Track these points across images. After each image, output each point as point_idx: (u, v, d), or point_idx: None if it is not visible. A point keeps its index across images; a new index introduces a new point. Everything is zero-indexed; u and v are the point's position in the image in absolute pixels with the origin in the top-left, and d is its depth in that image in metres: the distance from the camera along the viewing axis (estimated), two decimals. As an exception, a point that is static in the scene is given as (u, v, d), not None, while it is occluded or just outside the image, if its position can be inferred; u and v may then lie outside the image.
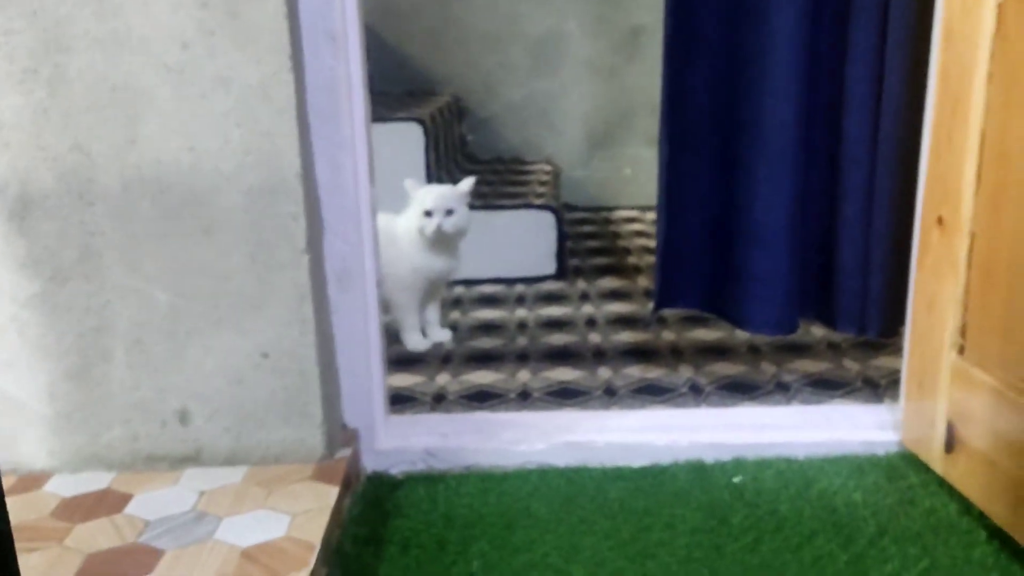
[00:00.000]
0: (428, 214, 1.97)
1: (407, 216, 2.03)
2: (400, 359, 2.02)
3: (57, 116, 1.28)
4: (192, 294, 1.33)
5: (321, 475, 1.37)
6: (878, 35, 1.56)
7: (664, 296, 1.82)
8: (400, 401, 1.78)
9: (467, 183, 2.04)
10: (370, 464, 1.53)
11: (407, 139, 2.57)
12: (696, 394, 1.78)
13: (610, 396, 1.79)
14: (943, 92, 1.34)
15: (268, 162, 1.30)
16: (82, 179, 1.29)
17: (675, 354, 2.02)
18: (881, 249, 1.66)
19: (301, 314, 1.35)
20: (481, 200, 2.70)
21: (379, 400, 1.54)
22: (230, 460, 1.39)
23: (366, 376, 1.51)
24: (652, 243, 2.82)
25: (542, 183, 2.99)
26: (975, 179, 1.28)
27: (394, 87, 3.35)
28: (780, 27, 1.58)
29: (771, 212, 1.65)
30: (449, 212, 1.98)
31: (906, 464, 1.48)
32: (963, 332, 1.34)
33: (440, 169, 2.77)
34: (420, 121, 2.60)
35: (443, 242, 2.01)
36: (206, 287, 1.33)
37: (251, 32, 1.26)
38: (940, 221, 1.36)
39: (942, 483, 1.41)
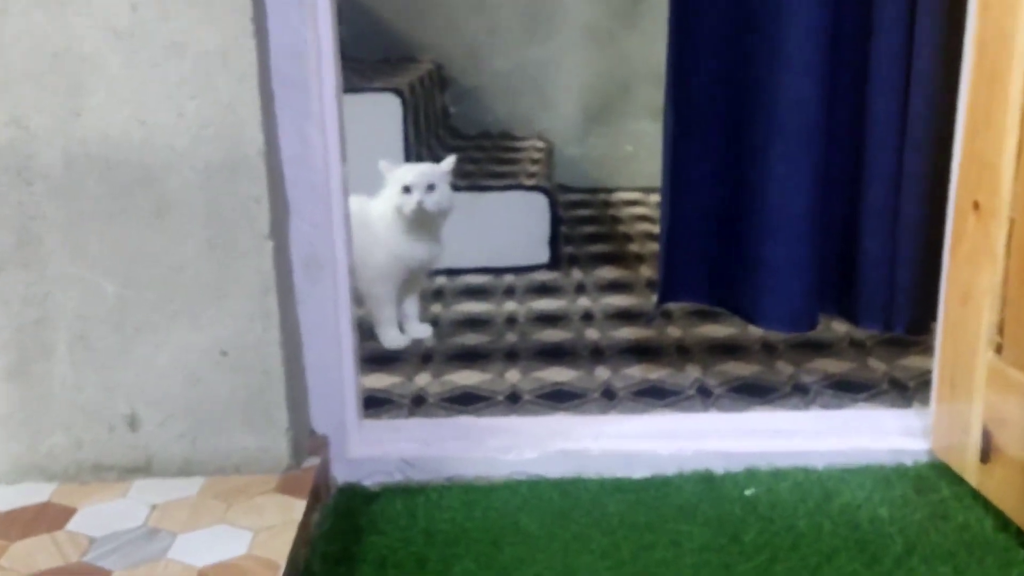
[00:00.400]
0: (407, 190, 1.97)
1: (382, 198, 2.03)
2: (375, 357, 2.02)
3: (-10, 84, 1.27)
4: (143, 284, 1.32)
5: (286, 487, 1.36)
6: (908, 1, 1.56)
7: (669, 288, 1.83)
8: (375, 404, 1.78)
9: (449, 161, 2.03)
10: (341, 474, 1.53)
11: (383, 111, 2.56)
12: (704, 397, 1.79)
13: (608, 399, 1.79)
14: (980, 64, 1.35)
15: (227, 137, 1.30)
16: (20, 156, 1.28)
17: (681, 352, 2.02)
18: (910, 237, 1.67)
19: (264, 307, 1.35)
20: (466, 180, 2.70)
21: (351, 403, 1.54)
22: (185, 470, 1.38)
23: (337, 376, 1.51)
24: (655, 228, 2.82)
25: (534, 161, 2.98)
26: (1015, 160, 1.29)
27: (369, 54, 3.33)
28: (797, -10, 1.57)
29: (788, 195, 1.65)
30: (431, 188, 1.98)
31: (937, 475, 1.49)
32: (1001, 328, 1.35)
33: (420, 145, 2.76)
34: (398, 91, 2.59)
35: (424, 224, 2.01)
36: (158, 276, 1.32)
37: (208, -10, 1.25)
38: (976, 206, 1.37)
39: (976, 496, 1.42)
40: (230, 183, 1.31)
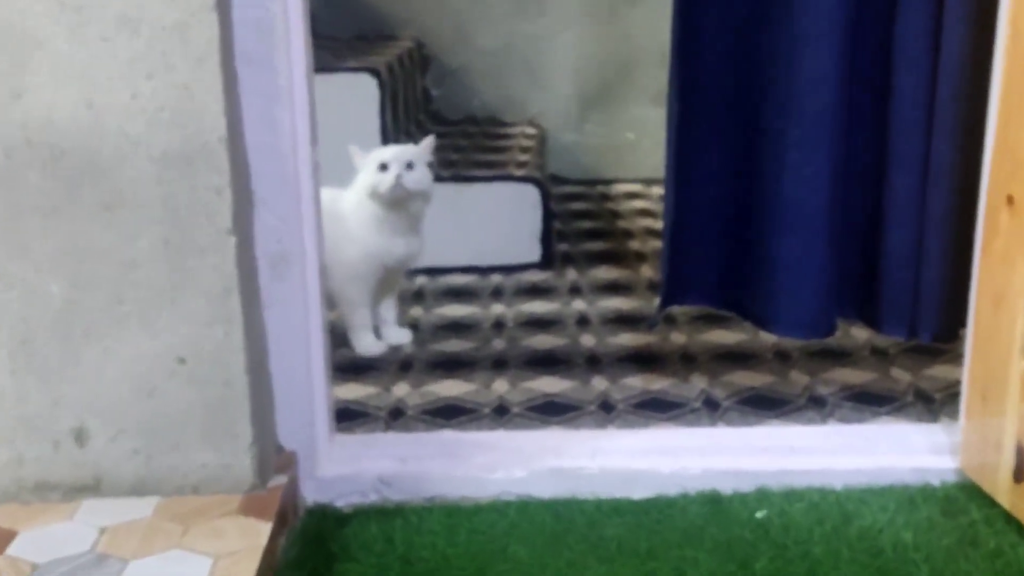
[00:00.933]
0: (383, 167, 1.97)
1: (354, 189, 2.03)
2: (349, 365, 2.02)
3: (-78, 62, 1.27)
4: (92, 285, 1.33)
5: (250, 508, 1.36)
6: (936, -26, 1.58)
7: (673, 290, 1.83)
8: (348, 417, 1.78)
9: (428, 141, 2.03)
10: (311, 494, 1.53)
11: (358, 94, 2.57)
12: (711, 410, 1.80)
13: (606, 412, 1.80)
14: (1015, 46, 1.36)
15: (185, 122, 1.30)
16: (-47, 141, 1.28)
17: (686, 361, 2.03)
18: (938, 233, 1.68)
19: (226, 309, 1.35)
20: (449, 170, 2.70)
21: (322, 416, 1.54)
22: (138, 489, 1.38)
23: (307, 386, 1.51)
24: (658, 224, 2.83)
25: (524, 149, 2.99)
26: (1052, 150, 1.30)
27: (343, 30, 3.33)
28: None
29: (803, 187, 1.66)
30: (409, 166, 1.98)
31: (967, 496, 1.50)
32: (1036, 335, 1.36)
33: (399, 131, 2.77)
34: (374, 72, 2.59)
35: (402, 209, 2.00)
36: (109, 276, 1.32)
37: (164, -40, 1.26)
38: (1010, 200, 1.38)
39: (1010, 519, 1.43)
40: (188, 173, 1.31)
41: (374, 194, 1.98)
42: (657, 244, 2.69)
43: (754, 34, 1.69)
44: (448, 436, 1.70)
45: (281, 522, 1.38)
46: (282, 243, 1.44)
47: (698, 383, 1.92)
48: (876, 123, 1.70)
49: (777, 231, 1.70)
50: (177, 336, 1.35)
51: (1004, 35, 1.40)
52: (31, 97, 1.28)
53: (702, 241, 1.80)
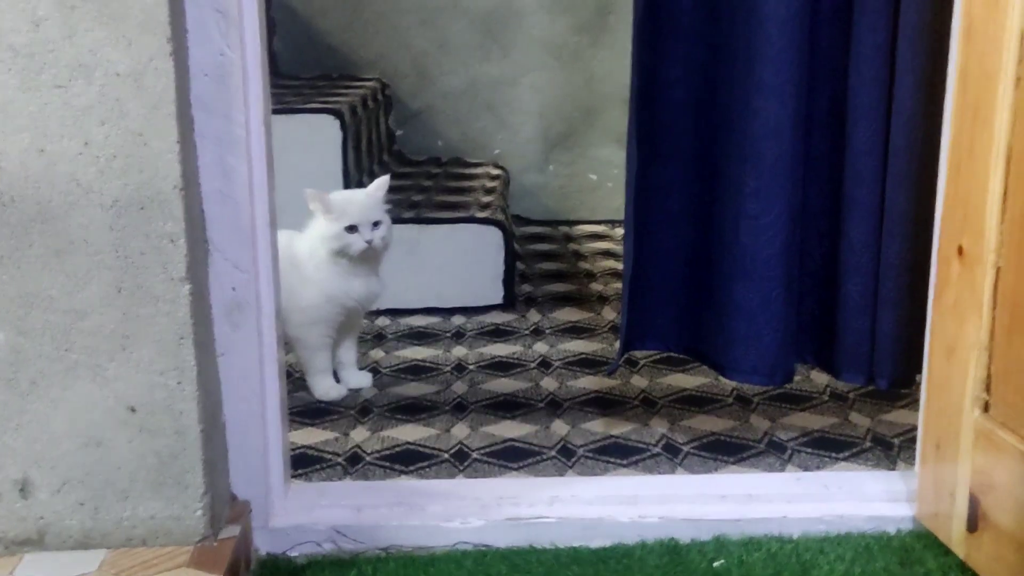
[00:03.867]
0: (351, 229, 1.96)
1: (311, 233, 2.01)
2: (306, 410, 2.01)
3: None
4: (39, 333, 1.31)
5: (201, 560, 1.34)
6: (888, 28, 1.60)
7: (633, 334, 1.84)
8: (305, 463, 1.76)
9: (381, 183, 2.01)
10: (264, 545, 1.51)
11: (321, 135, 2.57)
12: (671, 455, 1.80)
13: (566, 457, 1.79)
14: (962, 98, 1.38)
15: (139, 169, 1.29)
16: (-100, 187, 1.26)
17: (647, 405, 2.03)
18: (893, 281, 1.69)
19: (179, 358, 1.33)
20: (412, 211, 2.71)
21: (277, 464, 1.53)
22: (84, 543, 1.36)
23: (261, 435, 1.49)
24: (620, 266, 2.84)
25: (488, 191, 3.00)
26: (1000, 202, 1.32)
27: (307, 70, 3.34)
28: (771, 12, 1.61)
29: (760, 235, 1.68)
30: (376, 224, 1.98)
31: (922, 545, 1.51)
32: (988, 385, 1.37)
33: (361, 172, 2.77)
34: (337, 113, 2.60)
35: (365, 261, 2.00)
36: (57, 324, 1.31)
37: (120, 7, 1.25)
38: (960, 251, 1.40)
39: (964, 569, 1.43)
40: (142, 220, 1.30)
41: (342, 254, 1.97)
42: (619, 286, 2.71)
43: (713, 83, 1.72)
44: (404, 484, 1.69)
45: (232, 574, 1.36)
46: (237, 291, 1.43)
47: (659, 428, 1.92)
48: (832, 172, 1.72)
49: (734, 278, 1.71)
50: (128, 385, 1.33)
51: (952, 87, 1.42)
52: (-20, 143, 1.26)
53: (661, 287, 1.81)
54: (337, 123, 2.58)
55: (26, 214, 1.28)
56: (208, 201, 1.39)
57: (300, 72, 3.32)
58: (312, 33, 3.36)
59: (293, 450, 1.80)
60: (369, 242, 1.96)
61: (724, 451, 1.81)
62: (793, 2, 1.61)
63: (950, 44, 1.44)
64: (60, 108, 1.27)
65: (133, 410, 1.33)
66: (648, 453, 1.81)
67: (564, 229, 3.40)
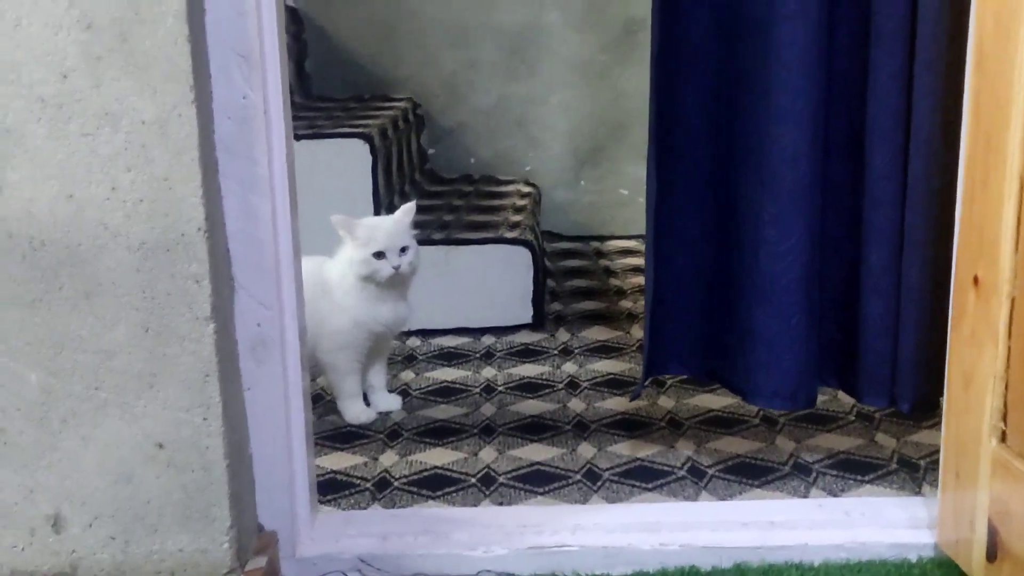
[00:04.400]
0: (379, 256, 1.99)
1: (340, 259, 2.05)
2: (337, 434, 2.04)
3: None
4: (70, 372, 1.34)
5: (229, 592, 1.38)
6: (905, 54, 1.60)
7: (655, 360, 1.85)
8: (335, 488, 1.80)
9: (408, 209, 2.04)
10: (291, 575, 1.54)
11: (351, 159, 2.60)
12: (696, 478, 1.81)
13: (592, 481, 1.81)
14: (975, 127, 1.38)
15: (164, 212, 1.32)
16: (-64, 234, 1.31)
17: (673, 426, 2.04)
18: (914, 304, 1.69)
19: (204, 395, 1.37)
20: (443, 232, 2.73)
21: (303, 494, 1.56)
22: None
23: (287, 466, 1.52)
24: (651, 283, 2.85)
25: (517, 209, 3.02)
26: (1014, 232, 1.32)
27: (338, 91, 3.38)
28: (787, 40, 1.62)
29: (780, 261, 1.68)
30: (403, 250, 2.01)
31: (943, 573, 1.50)
32: (1004, 415, 1.37)
33: (391, 193, 2.80)
34: (366, 137, 2.63)
35: (393, 286, 2.03)
36: (87, 363, 1.34)
37: (145, 58, 1.29)
38: (976, 281, 1.39)
39: (985, 597, 1.43)
40: (167, 262, 1.33)
41: (370, 280, 2.01)
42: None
43: (731, 109, 1.73)
44: (430, 512, 1.71)
45: (260, 604, 1.39)
46: (262, 327, 1.46)
47: (684, 450, 1.93)
48: (851, 197, 1.72)
49: (754, 303, 1.72)
50: (156, 422, 1.36)
51: (967, 114, 1.42)
52: (11, 191, 1.30)
53: (682, 311, 1.82)
54: (367, 147, 2.61)
55: (56, 258, 1.32)
56: (233, 240, 1.43)
57: (332, 93, 3.36)
58: (344, 55, 3.41)
59: (323, 476, 1.84)
60: (396, 268, 2.00)
61: (749, 474, 1.82)
62: (810, 29, 1.62)
63: (965, 70, 1.44)
64: (88, 155, 1.31)
65: (161, 446, 1.37)
66: (673, 476, 1.82)
67: (595, 244, 3.42)
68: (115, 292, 1.33)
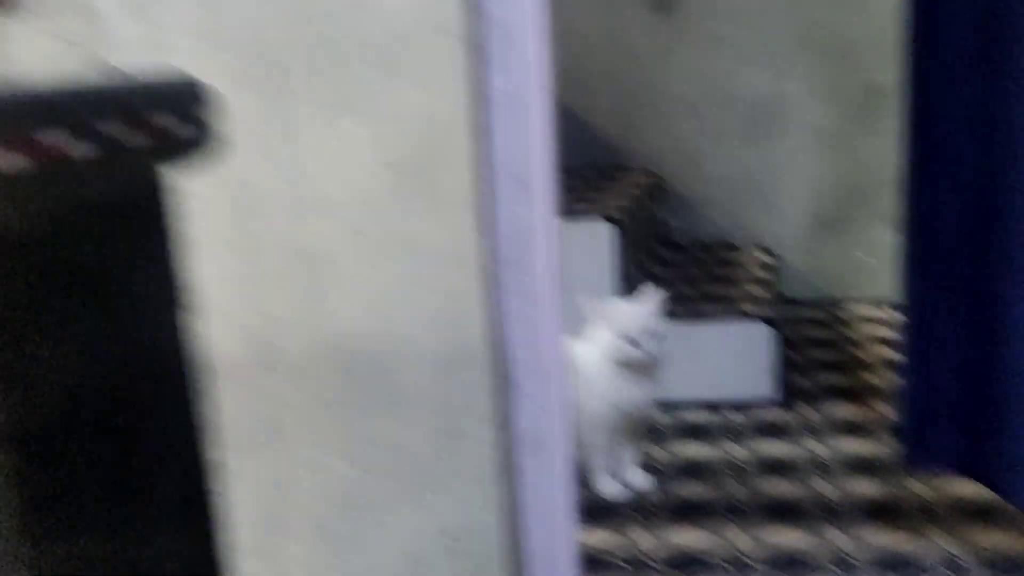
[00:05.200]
0: (630, 340, 2.09)
1: (590, 340, 2.16)
2: (592, 509, 2.14)
3: (246, 283, 1.51)
4: (374, 466, 1.51)
5: (509, 673, 1.49)
6: None
7: (915, 453, 1.84)
8: (593, 566, 1.90)
9: (657, 299, 2.13)
10: (561, 655, 1.65)
11: (594, 239, 2.70)
12: (953, 573, 1.79)
13: (844, 570, 1.83)
14: None
15: (455, 327, 1.47)
16: (266, 346, 1.51)
17: (927, 515, 2.03)
18: None
19: (487, 489, 1.50)
20: (683, 305, 2.80)
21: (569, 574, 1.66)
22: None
23: (556, 550, 1.63)
24: (894, 355, 2.81)
25: (756, 280, 3.05)
26: None
27: (576, 159, 3.50)
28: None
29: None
30: (653, 335, 2.10)
31: None
32: None
33: (629, 264, 2.87)
34: (611, 219, 2.73)
35: (645, 371, 2.13)
36: (388, 459, 1.51)
37: (437, 189, 1.45)
38: None
39: None
40: (457, 370, 1.48)
41: (623, 363, 2.11)
42: (894, 377, 2.68)
43: (994, 164, 1.66)
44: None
45: None
46: (538, 427, 1.59)
47: (939, 541, 1.91)
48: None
49: (1016, 403, 1.70)
50: (443, 514, 1.51)
51: None
52: (328, 308, 1.49)
53: (944, 406, 1.81)
54: (611, 228, 2.70)
55: (367, 369, 1.49)
56: (512, 349, 1.57)
57: (573, 163, 3.49)
58: (586, 128, 3.54)
59: (582, 551, 1.94)
60: (648, 353, 2.09)
61: (1013, 571, 1.78)
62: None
63: None
64: (392, 278, 1.48)
65: (448, 536, 1.52)
66: (928, 570, 1.81)
67: (835, 311, 3.39)
68: (413, 398, 1.50)
